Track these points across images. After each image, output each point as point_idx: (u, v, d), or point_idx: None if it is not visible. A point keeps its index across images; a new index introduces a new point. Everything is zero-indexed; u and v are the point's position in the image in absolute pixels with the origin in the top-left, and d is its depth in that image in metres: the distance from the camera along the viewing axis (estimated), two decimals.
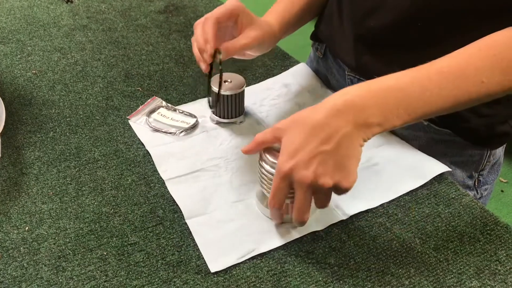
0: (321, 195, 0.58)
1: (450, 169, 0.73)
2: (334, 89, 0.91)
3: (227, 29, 0.72)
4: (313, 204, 0.59)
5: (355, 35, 0.78)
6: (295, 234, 0.64)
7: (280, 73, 0.95)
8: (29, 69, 0.96)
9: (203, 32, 0.69)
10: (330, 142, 0.55)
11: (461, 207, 0.69)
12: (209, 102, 0.79)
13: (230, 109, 0.81)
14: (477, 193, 0.86)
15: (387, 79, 0.59)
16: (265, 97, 0.88)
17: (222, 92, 0.78)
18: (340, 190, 0.57)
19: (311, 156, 0.55)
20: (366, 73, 0.81)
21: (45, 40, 1.05)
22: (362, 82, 0.59)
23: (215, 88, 0.78)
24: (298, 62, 0.98)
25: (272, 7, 0.82)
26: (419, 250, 0.63)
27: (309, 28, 0.95)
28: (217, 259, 0.61)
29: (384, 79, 0.59)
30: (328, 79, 0.93)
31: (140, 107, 0.86)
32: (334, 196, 0.69)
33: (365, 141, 0.57)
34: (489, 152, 0.82)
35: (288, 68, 0.96)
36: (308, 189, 0.56)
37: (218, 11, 0.69)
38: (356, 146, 0.56)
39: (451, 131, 0.79)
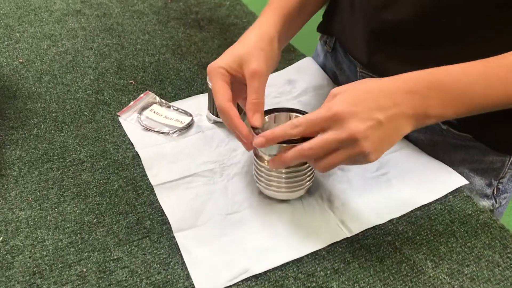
0: (343, 155, 0.53)
1: (468, 182, 0.67)
2: None
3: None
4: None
5: (369, 30, 0.71)
6: (294, 253, 0.58)
7: (284, 67, 0.88)
8: (16, 58, 0.90)
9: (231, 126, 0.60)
10: (386, 113, 0.53)
11: (478, 225, 0.62)
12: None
13: None
14: (496, 202, 0.79)
15: (456, 71, 0.57)
16: (267, 94, 0.81)
17: None
18: (363, 161, 0.54)
19: (369, 116, 0.52)
20: (379, 71, 0.74)
21: (35, 25, 0.99)
22: (431, 69, 0.56)
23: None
24: (304, 56, 0.91)
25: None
26: (431, 274, 0.57)
27: (316, 18, 0.87)
28: (206, 280, 0.55)
29: (453, 70, 0.57)
30: (336, 75, 0.86)
31: (132, 102, 0.80)
32: (338, 210, 0.63)
33: (413, 130, 0.56)
34: (511, 158, 0.75)
35: (293, 62, 0.89)
36: (344, 142, 0.52)
37: (219, 99, 0.59)
38: (403, 132, 0.55)
39: (471, 136, 0.72)
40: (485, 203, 0.78)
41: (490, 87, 0.56)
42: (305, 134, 0.54)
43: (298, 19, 0.71)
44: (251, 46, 0.61)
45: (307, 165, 0.60)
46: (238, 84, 0.61)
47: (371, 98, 0.53)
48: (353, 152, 0.53)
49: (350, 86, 0.56)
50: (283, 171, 0.60)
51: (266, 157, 0.60)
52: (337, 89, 0.55)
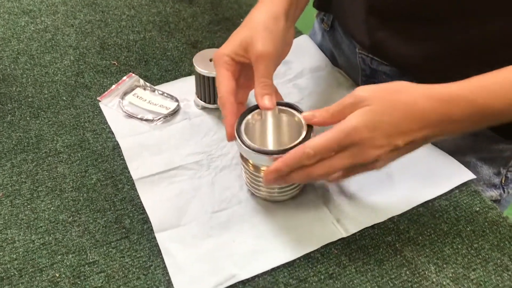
0: (350, 170, 0.52)
1: (475, 177, 0.61)
2: (342, 68, 0.78)
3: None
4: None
5: (368, 7, 0.65)
6: (286, 256, 0.53)
7: None
8: None
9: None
10: (406, 139, 0.49)
11: (486, 224, 0.57)
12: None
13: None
14: (504, 191, 0.74)
15: (496, 92, 0.50)
16: None
17: (207, 74, 0.66)
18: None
19: (388, 142, 0.49)
20: (381, 52, 0.68)
21: (12, 0, 0.92)
22: (472, 85, 0.50)
23: (200, 69, 0.66)
24: (300, 34, 0.84)
25: None
26: (434, 280, 0.52)
27: None
28: (188, 286, 0.51)
29: (493, 92, 0.50)
30: (334, 56, 0.79)
31: (114, 86, 0.74)
32: (334, 208, 0.58)
33: None
34: None
35: None
36: (356, 164, 0.50)
37: (220, 89, 0.56)
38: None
39: None
40: (493, 193, 0.73)
41: None
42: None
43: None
44: (254, 27, 0.56)
45: None
46: (249, 70, 0.56)
47: (395, 121, 0.49)
48: (363, 169, 0.52)
49: (377, 93, 0.49)
50: None
51: (251, 162, 0.55)
52: (362, 94, 0.49)
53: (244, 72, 0.58)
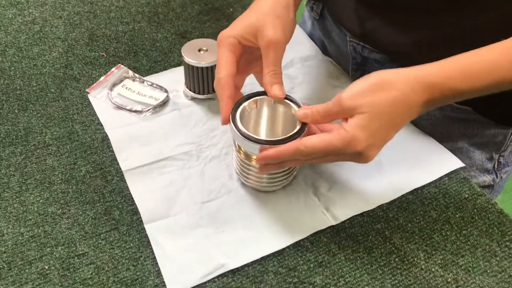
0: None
1: (464, 165, 0.62)
2: (332, 56, 0.77)
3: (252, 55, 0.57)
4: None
5: None
6: (275, 245, 0.53)
7: None
8: None
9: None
10: (399, 128, 0.51)
11: (475, 210, 0.58)
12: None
13: (207, 83, 0.68)
14: (497, 176, 0.74)
15: (473, 74, 0.50)
16: None
17: (196, 64, 0.66)
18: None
19: (384, 140, 0.51)
20: (373, 41, 0.68)
21: None
22: (451, 68, 0.50)
23: (188, 60, 0.66)
24: None
25: None
26: (423, 266, 0.52)
27: None
28: (178, 277, 0.51)
29: (455, 78, 0.50)
30: (324, 45, 0.79)
31: (103, 77, 0.73)
32: (323, 196, 0.58)
33: None
34: None
35: None
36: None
37: (221, 71, 0.54)
38: None
39: (471, 108, 0.67)
40: (486, 178, 0.73)
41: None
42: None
43: None
44: (265, 13, 0.55)
45: None
46: (250, 55, 0.56)
47: (388, 120, 0.49)
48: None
49: (365, 98, 0.49)
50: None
51: (243, 149, 0.55)
52: (352, 103, 0.49)
53: (244, 56, 0.56)
